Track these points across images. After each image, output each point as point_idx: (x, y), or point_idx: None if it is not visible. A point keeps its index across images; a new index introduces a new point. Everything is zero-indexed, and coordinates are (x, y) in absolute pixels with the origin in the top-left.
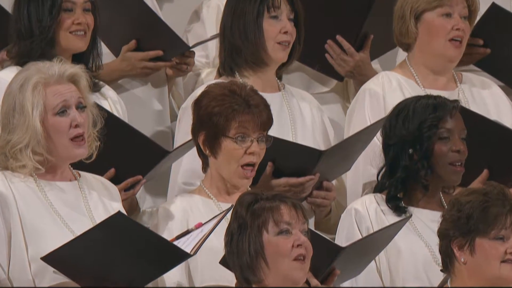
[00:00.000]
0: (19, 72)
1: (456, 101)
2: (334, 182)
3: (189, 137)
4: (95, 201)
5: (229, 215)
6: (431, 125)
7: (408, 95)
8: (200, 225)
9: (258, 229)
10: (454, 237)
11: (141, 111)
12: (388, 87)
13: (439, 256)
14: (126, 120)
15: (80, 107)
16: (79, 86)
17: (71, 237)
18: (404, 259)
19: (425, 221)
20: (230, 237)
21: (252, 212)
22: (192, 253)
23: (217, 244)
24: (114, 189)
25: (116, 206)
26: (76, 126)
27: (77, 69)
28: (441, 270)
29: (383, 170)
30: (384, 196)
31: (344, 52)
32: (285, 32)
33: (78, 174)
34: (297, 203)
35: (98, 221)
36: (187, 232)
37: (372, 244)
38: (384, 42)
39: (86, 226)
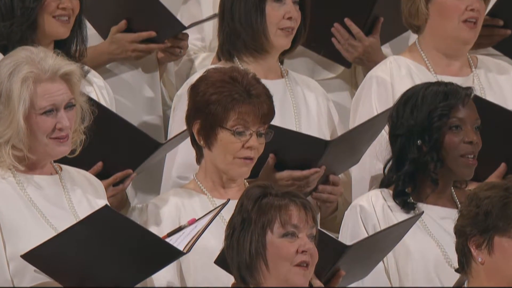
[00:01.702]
0: (8, 56)
1: (469, 88)
2: (341, 176)
3: (185, 126)
4: (78, 197)
5: (224, 212)
6: (441, 114)
7: (419, 81)
8: (193, 221)
9: (263, 227)
10: (471, 234)
11: (130, 98)
12: (397, 74)
13: (451, 257)
14: (113, 107)
15: (69, 106)
16: (71, 85)
17: (53, 234)
18: (413, 260)
19: (436, 219)
20: (232, 231)
21: (259, 207)
22: (185, 251)
23: (212, 243)
24: (99, 184)
25: (102, 203)
26: (60, 129)
27: (72, 68)
28: (456, 270)
29: (390, 163)
30: (391, 192)
31: (352, 36)
32: (289, 18)
33: (59, 167)
34: (308, 204)
35: (82, 217)
36: (180, 229)
37: (380, 243)
38: (395, 26)
39: (69, 222)
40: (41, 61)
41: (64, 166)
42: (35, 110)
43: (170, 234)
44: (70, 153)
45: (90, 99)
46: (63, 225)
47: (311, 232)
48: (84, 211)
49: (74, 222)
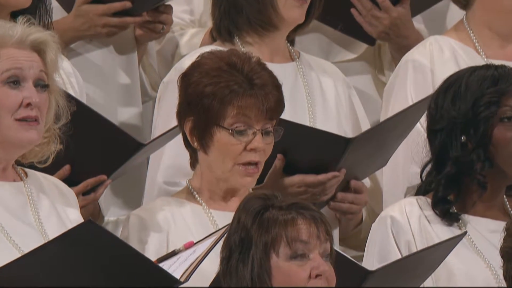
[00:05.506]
0: None
1: None
2: (366, 181)
3: (172, 120)
4: (46, 210)
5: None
6: (489, 102)
7: (465, 66)
8: (191, 245)
9: (265, 249)
10: None
11: (101, 87)
12: (438, 57)
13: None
14: (83, 98)
15: (41, 85)
16: (44, 58)
17: (17, 255)
18: (457, 283)
19: (485, 233)
20: (228, 253)
21: (260, 223)
22: (183, 279)
23: (207, 265)
24: (71, 194)
25: (75, 217)
26: (28, 105)
27: (47, 36)
28: None
29: (429, 166)
30: (429, 200)
31: (376, 6)
32: None
33: (24, 172)
34: (319, 215)
35: (50, 234)
36: (173, 254)
37: (413, 269)
38: None
39: (35, 240)
40: (7, 28)
41: (29, 171)
42: None
43: (161, 260)
44: (41, 163)
45: (70, 97)
46: (28, 244)
47: (325, 248)
48: (53, 227)
49: (41, 240)
